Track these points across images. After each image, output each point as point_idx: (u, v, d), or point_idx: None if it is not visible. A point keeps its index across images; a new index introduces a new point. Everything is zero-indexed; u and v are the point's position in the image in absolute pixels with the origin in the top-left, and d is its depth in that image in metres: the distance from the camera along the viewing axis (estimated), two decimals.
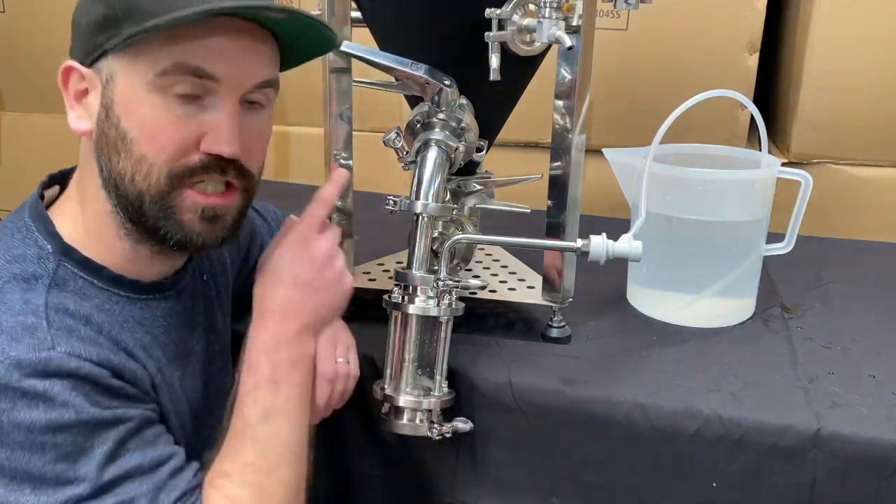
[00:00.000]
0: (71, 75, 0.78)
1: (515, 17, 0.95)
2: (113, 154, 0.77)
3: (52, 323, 0.72)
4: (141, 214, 0.78)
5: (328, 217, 0.92)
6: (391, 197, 0.97)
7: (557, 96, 1.00)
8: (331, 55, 1.08)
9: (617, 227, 0.98)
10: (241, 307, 0.94)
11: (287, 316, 0.85)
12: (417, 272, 0.93)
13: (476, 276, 1.19)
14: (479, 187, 1.12)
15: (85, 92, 0.78)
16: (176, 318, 0.88)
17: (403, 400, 0.91)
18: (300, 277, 0.86)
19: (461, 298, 0.96)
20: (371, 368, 1.01)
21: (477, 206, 1.16)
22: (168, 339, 0.86)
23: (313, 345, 0.87)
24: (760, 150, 1.14)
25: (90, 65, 0.77)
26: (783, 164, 1.12)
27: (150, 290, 0.85)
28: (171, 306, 0.87)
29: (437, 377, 0.93)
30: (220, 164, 0.78)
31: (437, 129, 1.00)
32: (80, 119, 0.79)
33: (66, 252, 0.78)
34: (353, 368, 0.93)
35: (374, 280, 1.18)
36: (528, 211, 1.13)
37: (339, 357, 0.91)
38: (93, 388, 0.71)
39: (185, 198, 0.78)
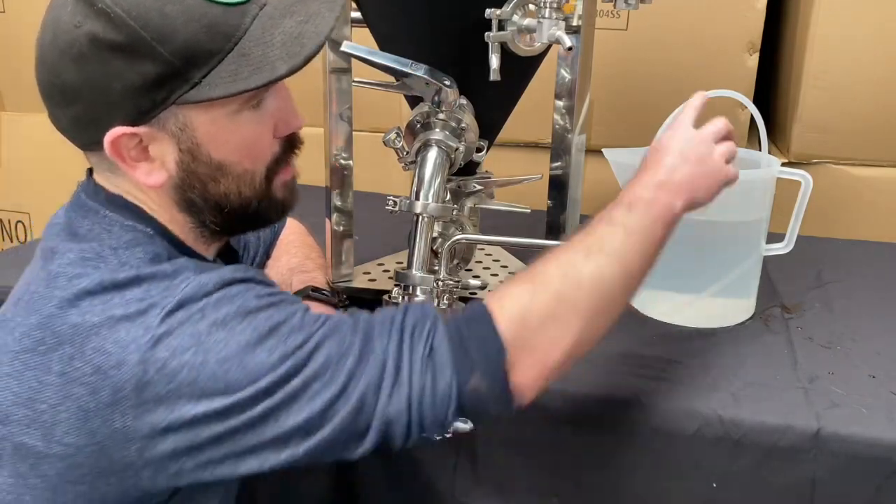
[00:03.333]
0: (121, 142, 0.72)
1: (515, 18, 0.95)
2: (210, 183, 0.76)
3: (199, 267, 0.74)
4: (244, 217, 0.79)
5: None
6: (391, 197, 0.97)
7: (557, 96, 1.00)
8: (331, 55, 1.08)
9: None
10: None
11: (670, 180, 0.81)
12: (417, 272, 0.93)
13: (476, 276, 1.19)
14: (479, 187, 1.12)
15: (144, 148, 0.73)
16: None
17: None
18: (692, 153, 0.83)
19: (461, 298, 0.96)
20: None
21: (477, 206, 1.16)
22: None
23: (676, 221, 0.82)
24: (760, 150, 1.14)
25: (145, 122, 0.72)
26: (783, 164, 1.12)
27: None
28: None
29: None
30: (293, 142, 0.81)
31: (437, 130, 1.00)
32: (152, 173, 0.74)
33: (163, 233, 0.78)
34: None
35: (374, 280, 1.18)
36: (528, 211, 1.13)
37: None
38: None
39: (278, 182, 0.80)
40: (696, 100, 0.89)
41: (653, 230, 0.79)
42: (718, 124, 0.86)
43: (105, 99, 0.70)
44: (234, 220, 0.80)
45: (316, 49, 0.72)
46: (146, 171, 0.74)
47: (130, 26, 0.68)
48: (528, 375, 0.73)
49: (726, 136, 0.87)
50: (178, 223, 0.78)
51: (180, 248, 0.78)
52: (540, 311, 0.73)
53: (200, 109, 0.72)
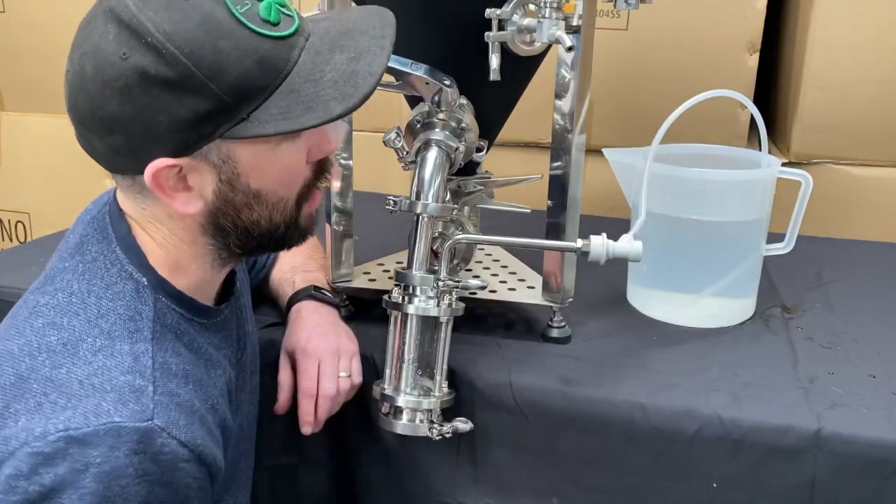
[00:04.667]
0: (162, 174, 0.71)
1: (515, 18, 0.95)
2: (244, 210, 0.76)
3: (157, 387, 0.71)
4: (269, 241, 0.80)
5: None
6: (391, 197, 0.97)
7: (557, 96, 1.00)
8: None
9: (617, 227, 0.98)
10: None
11: None
12: (417, 272, 0.93)
13: (476, 276, 1.19)
14: (479, 187, 1.12)
15: (183, 177, 0.73)
16: (233, 331, 0.89)
17: (403, 400, 0.91)
18: None
19: (461, 298, 0.96)
20: (371, 368, 1.01)
21: (477, 206, 1.16)
22: (232, 352, 0.88)
23: None
24: (760, 150, 1.14)
25: (187, 154, 0.71)
26: (783, 164, 1.12)
27: (215, 312, 0.85)
28: (226, 321, 0.87)
29: (437, 377, 0.93)
30: (323, 166, 0.81)
31: (437, 129, 1.00)
32: (190, 202, 0.74)
33: (161, 285, 0.77)
34: (356, 378, 0.98)
35: (374, 280, 1.18)
36: (529, 211, 1.13)
37: (342, 371, 0.96)
38: (170, 467, 0.71)
39: (305, 211, 0.81)
40: None
41: None
42: None
43: (149, 131, 0.69)
44: (258, 244, 0.80)
45: (371, 89, 0.72)
46: (184, 200, 0.74)
47: (183, 63, 0.66)
48: None
49: None
50: (195, 247, 0.78)
51: (175, 298, 0.78)
52: None
53: (245, 143, 0.72)
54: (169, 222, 0.77)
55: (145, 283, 0.76)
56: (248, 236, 0.78)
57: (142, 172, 0.71)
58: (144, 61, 0.67)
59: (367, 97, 0.72)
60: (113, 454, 0.67)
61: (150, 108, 0.68)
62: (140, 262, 0.77)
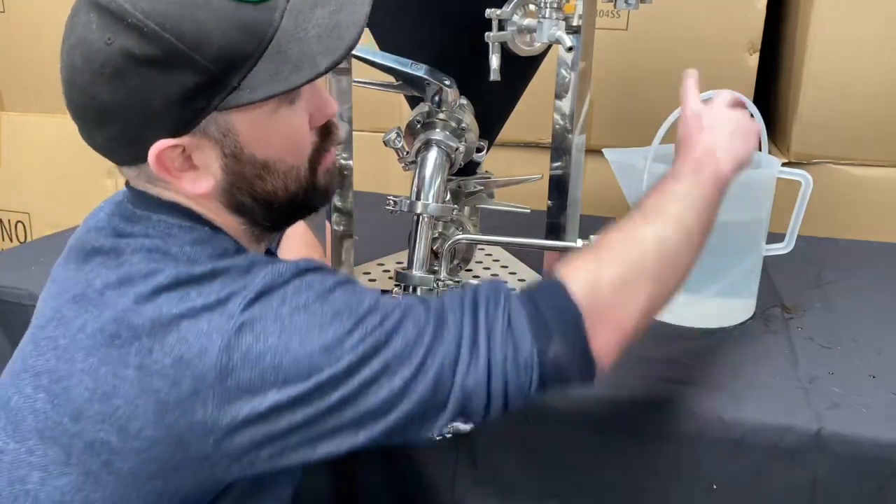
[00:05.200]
0: (165, 155, 0.71)
1: (516, 18, 0.95)
2: (257, 182, 0.75)
3: (269, 260, 0.74)
4: (292, 209, 0.80)
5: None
6: (391, 197, 0.97)
7: (557, 96, 1.00)
8: None
9: None
10: None
11: (709, 150, 0.85)
12: (417, 272, 0.93)
13: (476, 277, 1.19)
14: (479, 187, 1.12)
15: (188, 157, 0.72)
16: None
17: None
18: (716, 122, 0.88)
19: None
20: None
21: (477, 206, 1.16)
22: None
23: (727, 181, 0.86)
24: (760, 150, 1.14)
25: (187, 132, 0.71)
26: (783, 164, 1.12)
27: None
28: None
29: None
30: (329, 129, 0.81)
31: (437, 130, 1.00)
32: (199, 181, 0.74)
33: (222, 232, 0.77)
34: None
35: (374, 280, 1.18)
36: (528, 211, 1.13)
37: None
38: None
39: (321, 170, 0.80)
40: (689, 79, 0.94)
41: (704, 192, 0.82)
42: (725, 95, 0.92)
43: (145, 115, 0.69)
44: (283, 214, 0.80)
45: (355, 39, 0.72)
46: (192, 179, 0.73)
47: (165, 38, 0.66)
48: (606, 341, 0.74)
49: (736, 103, 0.92)
50: (230, 226, 0.78)
51: (238, 248, 0.78)
52: (610, 277, 0.75)
53: (240, 113, 0.71)
54: (191, 204, 0.76)
55: (210, 231, 0.76)
56: (269, 208, 0.77)
57: (145, 159, 0.71)
58: (129, 43, 0.67)
59: (351, 47, 0.72)
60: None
61: (141, 89, 0.68)
62: (194, 218, 0.76)
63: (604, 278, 0.75)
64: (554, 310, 0.73)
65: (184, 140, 0.71)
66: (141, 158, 0.72)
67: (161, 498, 0.70)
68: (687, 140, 0.87)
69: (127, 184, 0.79)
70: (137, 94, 0.68)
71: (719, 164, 0.84)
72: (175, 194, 0.75)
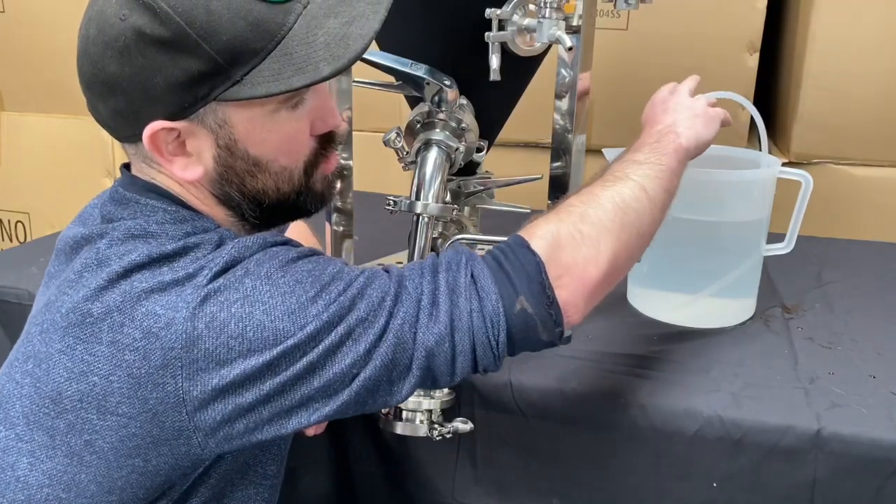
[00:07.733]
0: (160, 136, 0.73)
1: (516, 18, 0.95)
2: (247, 178, 0.76)
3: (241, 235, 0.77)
4: (282, 210, 0.80)
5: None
6: (391, 197, 0.97)
7: (557, 96, 1.00)
8: None
9: None
10: None
11: (670, 125, 0.90)
12: None
13: None
14: (479, 187, 1.12)
15: (182, 143, 0.74)
16: None
17: None
18: (678, 105, 0.94)
19: None
20: None
21: (477, 206, 1.16)
22: None
23: (687, 153, 0.90)
24: (760, 150, 1.14)
25: (184, 117, 0.72)
26: (783, 164, 1.12)
27: None
28: None
29: None
30: (330, 138, 0.81)
31: (437, 130, 1.00)
32: (189, 167, 0.75)
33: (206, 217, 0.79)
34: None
35: None
36: (529, 211, 1.13)
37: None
38: None
39: (318, 175, 0.81)
40: (689, 79, 1.00)
41: (662, 160, 0.85)
42: (689, 82, 0.99)
43: (147, 93, 0.71)
44: (272, 214, 0.81)
45: (360, 51, 0.72)
46: (182, 165, 0.75)
47: (176, 22, 0.68)
48: (570, 292, 0.76)
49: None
50: (219, 217, 0.79)
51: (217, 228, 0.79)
52: (569, 231, 0.77)
53: (240, 107, 0.73)
54: (180, 191, 0.78)
55: (194, 213, 0.77)
56: (258, 206, 0.78)
57: (142, 138, 0.73)
58: (141, 21, 0.68)
59: (356, 58, 0.73)
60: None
61: (147, 68, 0.69)
62: (179, 203, 0.77)
63: (563, 233, 0.77)
64: (517, 264, 0.74)
65: (180, 125, 0.72)
66: (138, 136, 0.73)
67: (143, 477, 0.71)
68: (651, 119, 0.93)
69: (122, 170, 0.81)
70: (142, 72, 0.70)
71: (679, 137, 0.88)
72: (167, 179, 0.77)
